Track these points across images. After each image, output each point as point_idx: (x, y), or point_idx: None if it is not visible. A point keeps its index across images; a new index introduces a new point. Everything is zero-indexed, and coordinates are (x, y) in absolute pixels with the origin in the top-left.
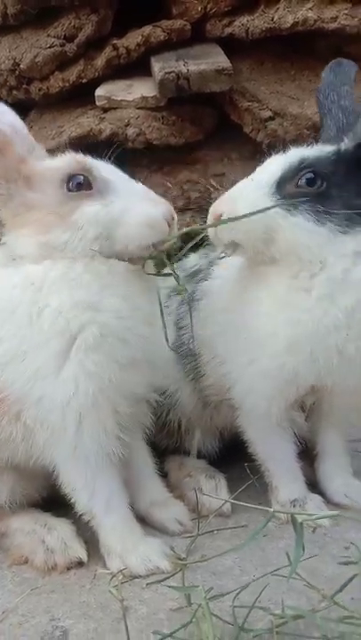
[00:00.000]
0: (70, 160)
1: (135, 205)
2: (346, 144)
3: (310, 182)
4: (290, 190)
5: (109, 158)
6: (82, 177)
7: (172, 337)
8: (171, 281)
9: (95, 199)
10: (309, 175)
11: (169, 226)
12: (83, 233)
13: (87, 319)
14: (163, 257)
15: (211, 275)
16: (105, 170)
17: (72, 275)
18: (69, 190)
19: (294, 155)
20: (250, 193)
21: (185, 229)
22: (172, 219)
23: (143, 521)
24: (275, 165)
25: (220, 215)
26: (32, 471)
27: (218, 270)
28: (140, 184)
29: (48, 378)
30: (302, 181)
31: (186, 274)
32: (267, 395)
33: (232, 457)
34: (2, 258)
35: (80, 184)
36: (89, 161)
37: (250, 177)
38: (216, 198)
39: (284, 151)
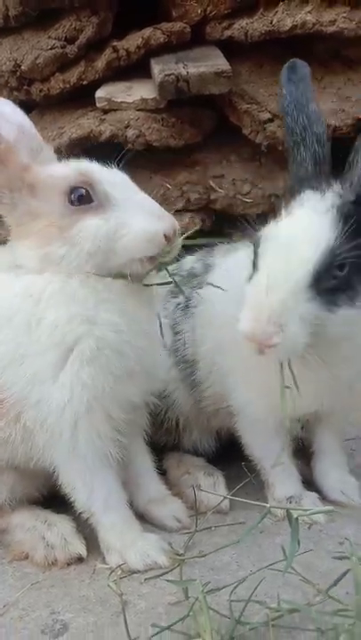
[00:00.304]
0: (74, 171)
1: (134, 219)
2: (342, 196)
3: (341, 269)
4: (328, 286)
5: (115, 162)
6: (84, 190)
7: (168, 341)
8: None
9: (96, 214)
10: (342, 262)
11: (170, 240)
12: (80, 248)
13: (84, 332)
14: (162, 268)
15: (206, 282)
16: (109, 182)
17: (68, 289)
18: (71, 203)
19: (317, 245)
20: (296, 309)
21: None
22: (174, 234)
23: (142, 518)
24: (299, 266)
25: (274, 345)
26: (32, 471)
27: (213, 278)
28: (146, 196)
29: (45, 383)
30: (336, 272)
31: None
32: (265, 409)
33: (230, 456)
34: (6, 262)
35: (82, 197)
36: (93, 173)
37: (262, 282)
38: (216, 199)
39: (279, 215)
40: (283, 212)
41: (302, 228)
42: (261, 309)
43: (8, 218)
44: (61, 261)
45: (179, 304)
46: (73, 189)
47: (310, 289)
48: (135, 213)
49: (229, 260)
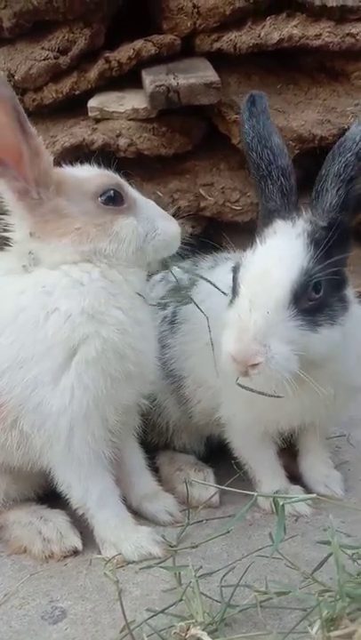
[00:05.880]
0: (102, 174)
1: (161, 223)
2: (313, 225)
3: (317, 290)
4: (307, 307)
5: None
6: (114, 192)
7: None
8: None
9: (128, 214)
10: (316, 283)
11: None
12: (127, 244)
13: (91, 331)
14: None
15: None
16: (129, 187)
17: (85, 279)
18: (104, 203)
19: (291, 267)
20: (278, 328)
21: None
22: None
23: (135, 514)
24: (277, 287)
25: (257, 364)
26: (27, 473)
27: (199, 297)
28: (152, 201)
29: (47, 386)
30: (313, 294)
31: (168, 287)
32: (250, 421)
33: (219, 454)
34: (9, 265)
35: (112, 198)
36: (118, 177)
37: (244, 304)
38: (205, 207)
39: (259, 243)
40: (257, 240)
41: (276, 254)
42: (245, 329)
43: (29, 218)
44: (114, 255)
45: (165, 317)
46: (106, 191)
47: (290, 308)
48: (158, 216)
49: (213, 276)
